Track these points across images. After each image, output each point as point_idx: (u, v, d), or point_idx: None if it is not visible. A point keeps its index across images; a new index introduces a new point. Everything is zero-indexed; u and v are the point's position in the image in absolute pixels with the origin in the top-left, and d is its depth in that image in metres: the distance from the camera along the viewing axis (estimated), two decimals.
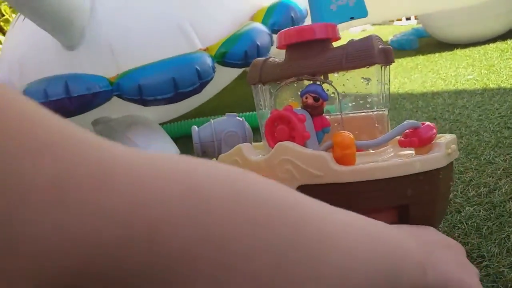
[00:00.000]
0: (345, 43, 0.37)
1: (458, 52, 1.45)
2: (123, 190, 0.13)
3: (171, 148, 0.80)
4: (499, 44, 1.40)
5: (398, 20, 3.44)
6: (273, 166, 0.33)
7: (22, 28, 0.87)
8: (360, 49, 0.36)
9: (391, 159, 0.36)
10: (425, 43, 1.89)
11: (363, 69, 0.37)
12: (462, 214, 0.42)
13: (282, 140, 0.34)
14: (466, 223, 0.40)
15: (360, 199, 0.32)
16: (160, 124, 0.95)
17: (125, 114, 0.84)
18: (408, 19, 3.29)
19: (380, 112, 0.40)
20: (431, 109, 0.85)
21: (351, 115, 0.40)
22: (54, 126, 0.13)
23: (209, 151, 0.44)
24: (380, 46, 0.37)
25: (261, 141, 0.44)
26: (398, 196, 0.32)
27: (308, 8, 0.42)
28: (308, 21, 0.92)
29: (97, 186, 0.13)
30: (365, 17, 0.40)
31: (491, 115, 0.71)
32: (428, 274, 0.25)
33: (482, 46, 1.44)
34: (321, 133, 0.37)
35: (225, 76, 0.94)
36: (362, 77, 0.39)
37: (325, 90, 0.36)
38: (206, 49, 0.80)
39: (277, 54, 0.45)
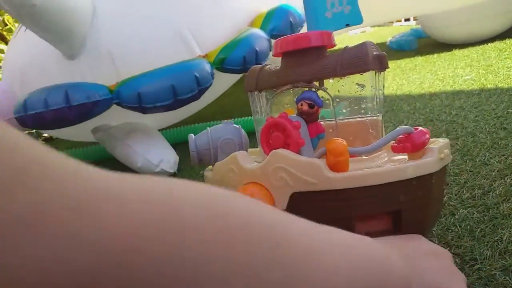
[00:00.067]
0: (341, 48, 0.38)
1: (457, 52, 1.45)
2: (98, 218, 0.14)
3: (170, 155, 0.80)
4: (497, 43, 1.40)
5: (397, 21, 3.44)
6: (267, 173, 0.34)
7: (24, 37, 0.88)
8: (355, 56, 0.36)
9: (384, 165, 0.36)
10: (424, 43, 1.89)
11: (358, 75, 0.38)
12: (456, 216, 0.42)
13: (277, 147, 0.34)
14: (460, 226, 0.40)
15: (353, 205, 0.32)
16: (159, 130, 0.96)
17: (124, 121, 0.85)
18: (407, 20, 3.29)
19: (374, 117, 0.40)
20: (428, 110, 0.85)
21: (345, 120, 0.41)
22: (31, 153, 0.14)
23: (205, 159, 0.44)
24: (375, 53, 0.37)
25: (257, 147, 0.44)
26: (391, 201, 0.32)
27: None
28: (304, 28, 0.92)
29: (72, 218, 0.13)
30: (360, 24, 0.41)
31: (488, 115, 0.72)
32: (412, 287, 0.26)
33: (481, 46, 1.44)
34: (316, 139, 0.37)
35: (224, 82, 0.94)
36: (357, 83, 0.39)
37: (320, 96, 0.37)
38: (205, 56, 0.81)
39: (274, 61, 0.46)
